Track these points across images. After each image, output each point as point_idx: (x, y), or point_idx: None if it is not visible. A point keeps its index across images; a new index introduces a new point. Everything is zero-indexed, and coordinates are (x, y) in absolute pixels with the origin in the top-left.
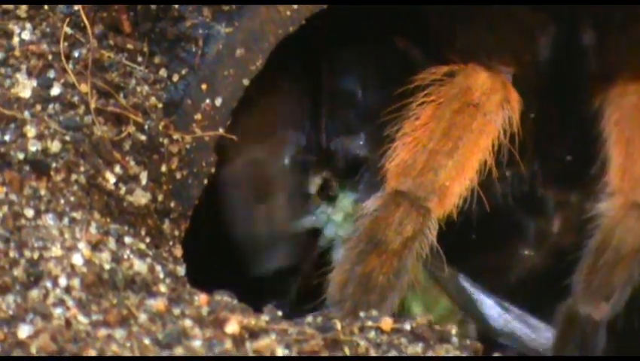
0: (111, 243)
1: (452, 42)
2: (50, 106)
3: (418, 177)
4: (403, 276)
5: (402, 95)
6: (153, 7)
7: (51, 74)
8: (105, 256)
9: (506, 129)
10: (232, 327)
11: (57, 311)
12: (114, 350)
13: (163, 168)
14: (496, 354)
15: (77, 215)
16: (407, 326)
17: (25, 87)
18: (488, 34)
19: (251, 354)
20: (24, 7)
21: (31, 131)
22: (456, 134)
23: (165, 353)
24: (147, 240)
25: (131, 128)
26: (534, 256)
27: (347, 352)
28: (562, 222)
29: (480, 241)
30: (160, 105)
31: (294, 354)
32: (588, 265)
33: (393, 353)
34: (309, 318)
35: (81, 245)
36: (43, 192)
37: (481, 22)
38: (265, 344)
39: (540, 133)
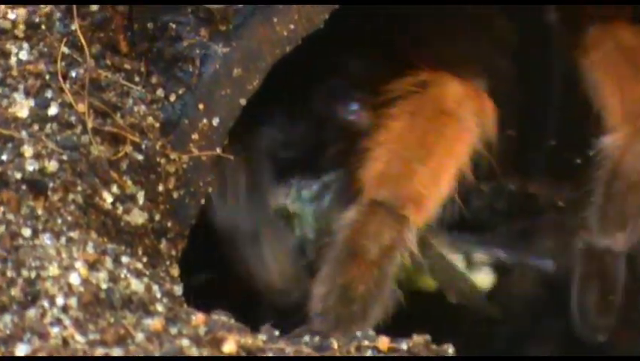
0: (108, 262)
1: (423, 53)
2: (48, 126)
3: (393, 185)
4: (385, 285)
5: (375, 105)
6: (150, 27)
7: (48, 93)
8: (102, 275)
9: (483, 138)
10: (229, 346)
11: (54, 330)
12: None
13: (160, 188)
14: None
15: (74, 234)
16: (404, 346)
17: (22, 107)
18: (459, 43)
19: None
20: (21, 26)
21: (28, 150)
22: (430, 142)
23: None
24: (144, 259)
25: (128, 148)
26: None
27: None
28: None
29: None
30: (157, 125)
31: None
32: (600, 197)
33: None
34: (306, 337)
35: (78, 264)
36: (40, 211)
37: (452, 32)
38: None
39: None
